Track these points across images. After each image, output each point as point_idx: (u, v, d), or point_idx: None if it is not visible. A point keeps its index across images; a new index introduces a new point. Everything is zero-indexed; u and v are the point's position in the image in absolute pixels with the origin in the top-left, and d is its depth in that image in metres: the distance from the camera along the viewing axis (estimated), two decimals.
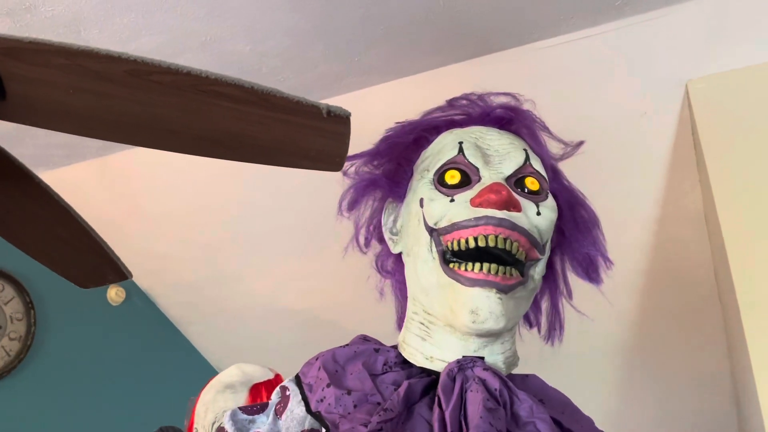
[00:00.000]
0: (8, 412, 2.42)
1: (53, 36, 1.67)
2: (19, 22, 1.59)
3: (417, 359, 0.73)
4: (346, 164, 0.83)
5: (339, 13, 1.70)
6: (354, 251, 0.87)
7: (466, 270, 0.69)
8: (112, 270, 0.97)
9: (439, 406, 0.64)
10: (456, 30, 1.82)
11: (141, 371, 3.04)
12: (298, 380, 0.72)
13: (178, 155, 2.42)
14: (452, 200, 0.73)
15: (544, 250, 0.75)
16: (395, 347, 0.76)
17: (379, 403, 0.66)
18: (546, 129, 0.85)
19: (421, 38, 1.85)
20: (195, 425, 1.28)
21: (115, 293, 2.98)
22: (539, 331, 0.86)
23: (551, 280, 0.84)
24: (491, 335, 0.70)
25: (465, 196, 0.73)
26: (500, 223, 0.69)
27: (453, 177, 0.75)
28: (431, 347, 0.72)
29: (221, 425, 0.72)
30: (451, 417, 0.62)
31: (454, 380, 0.66)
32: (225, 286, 3.16)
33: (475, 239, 0.69)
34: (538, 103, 2.10)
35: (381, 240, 0.86)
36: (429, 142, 0.83)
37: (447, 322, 0.71)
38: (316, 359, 0.73)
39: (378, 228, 0.85)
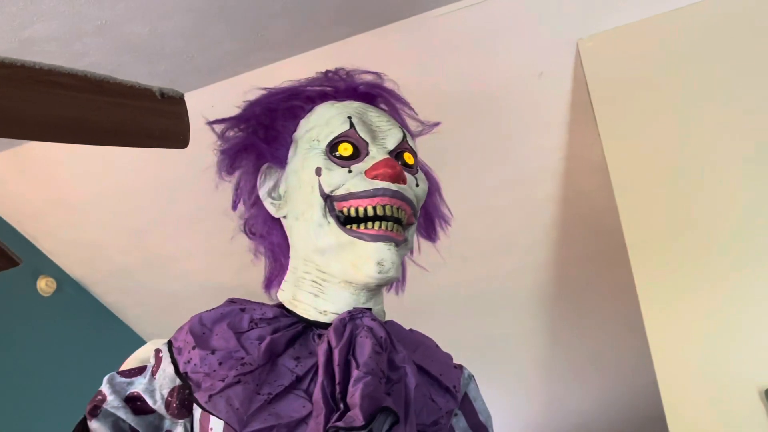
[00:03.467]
0: None
1: None
2: None
3: (311, 314, 0.78)
4: (216, 127, 0.87)
5: None
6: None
7: (367, 228, 0.76)
8: (2, 257, 0.99)
9: (329, 344, 0.71)
10: (354, 2, 1.86)
11: (81, 359, 3.04)
12: (169, 344, 0.78)
13: None
14: (350, 171, 0.79)
15: (417, 215, 0.84)
16: (263, 305, 0.81)
17: (242, 359, 0.72)
18: (409, 107, 0.91)
19: (320, 11, 1.88)
20: None
21: (45, 284, 2.96)
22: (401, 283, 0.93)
23: None
24: (387, 284, 0.78)
25: (358, 167, 0.79)
26: (394, 194, 0.78)
27: (346, 149, 0.80)
28: (325, 302, 0.78)
29: (99, 389, 0.77)
30: (339, 353, 0.70)
31: (345, 326, 0.73)
32: (158, 269, 3.17)
33: (374, 208, 0.76)
34: (439, 70, 2.16)
35: (253, 204, 0.88)
36: (304, 111, 0.86)
37: (345, 279, 0.77)
38: (185, 325, 0.78)
39: (250, 192, 0.87)
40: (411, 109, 0.92)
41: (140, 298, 3.34)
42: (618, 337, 2.92)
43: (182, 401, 0.74)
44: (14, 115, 0.66)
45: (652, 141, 1.77)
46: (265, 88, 0.90)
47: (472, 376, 0.88)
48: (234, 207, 0.91)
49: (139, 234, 2.97)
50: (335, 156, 0.80)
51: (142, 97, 0.65)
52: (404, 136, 0.85)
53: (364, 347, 0.71)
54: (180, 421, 0.75)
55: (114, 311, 3.40)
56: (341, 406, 0.67)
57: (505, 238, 2.64)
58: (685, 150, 1.72)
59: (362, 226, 0.77)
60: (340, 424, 0.64)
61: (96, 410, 0.75)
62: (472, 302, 2.96)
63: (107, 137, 0.73)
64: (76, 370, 2.97)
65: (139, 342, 3.57)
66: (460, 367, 0.86)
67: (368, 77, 0.91)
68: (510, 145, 2.27)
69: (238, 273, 3.13)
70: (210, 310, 0.79)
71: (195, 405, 0.74)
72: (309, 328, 0.77)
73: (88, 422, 0.74)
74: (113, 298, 3.35)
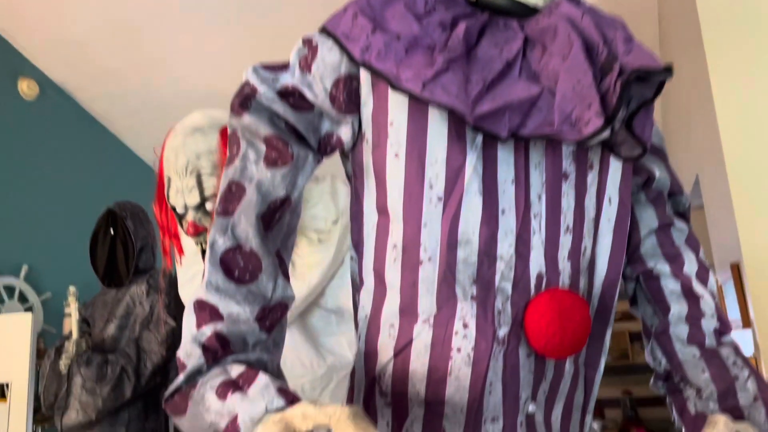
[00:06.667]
0: None
1: None
2: None
3: None
4: None
5: None
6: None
7: None
8: None
9: (565, 18, 0.62)
10: None
11: (68, 167, 2.88)
12: (325, 32, 0.64)
13: None
14: None
15: None
16: None
17: (430, 47, 0.61)
18: None
19: None
20: (165, 172, 1.17)
21: (26, 86, 2.72)
22: None
23: None
24: None
25: None
26: None
27: None
28: None
29: (245, 80, 0.63)
30: (590, 19, 0.61)
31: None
32: (150, 73, 2.95)
33: None
34: None
35: None
36: None
37: None
38: (345, 10, 0.64)
39: None
40: None
41: (129, 107, 3.13)
42: None
43: (350, 94, 0.63)
44: None
45: None
46: None
47: None
48: None
49: (128, 32, 2.71)
50: None
51: None
52: None
53: (600, 21, 0.63)
54: (346, 117, 0.65)
55: (100, 120, 3.20)
56: (614, 66, 0.58)
57: None
58: None
59: None
60: (640, 72, 0.56)
61: (248, 102, 0.63)
62: None
63: None
64: (61, 176, 2.81)
65: (128, 153, 3.41)
66: None
67: None
68: None
69: (238, 78, 2.95)
70: None
71: (364, 99, 0.63)
72: (493, 17, 0.66)
73: (240, 117, 0.64)
74: (100, 105, 3.12)
